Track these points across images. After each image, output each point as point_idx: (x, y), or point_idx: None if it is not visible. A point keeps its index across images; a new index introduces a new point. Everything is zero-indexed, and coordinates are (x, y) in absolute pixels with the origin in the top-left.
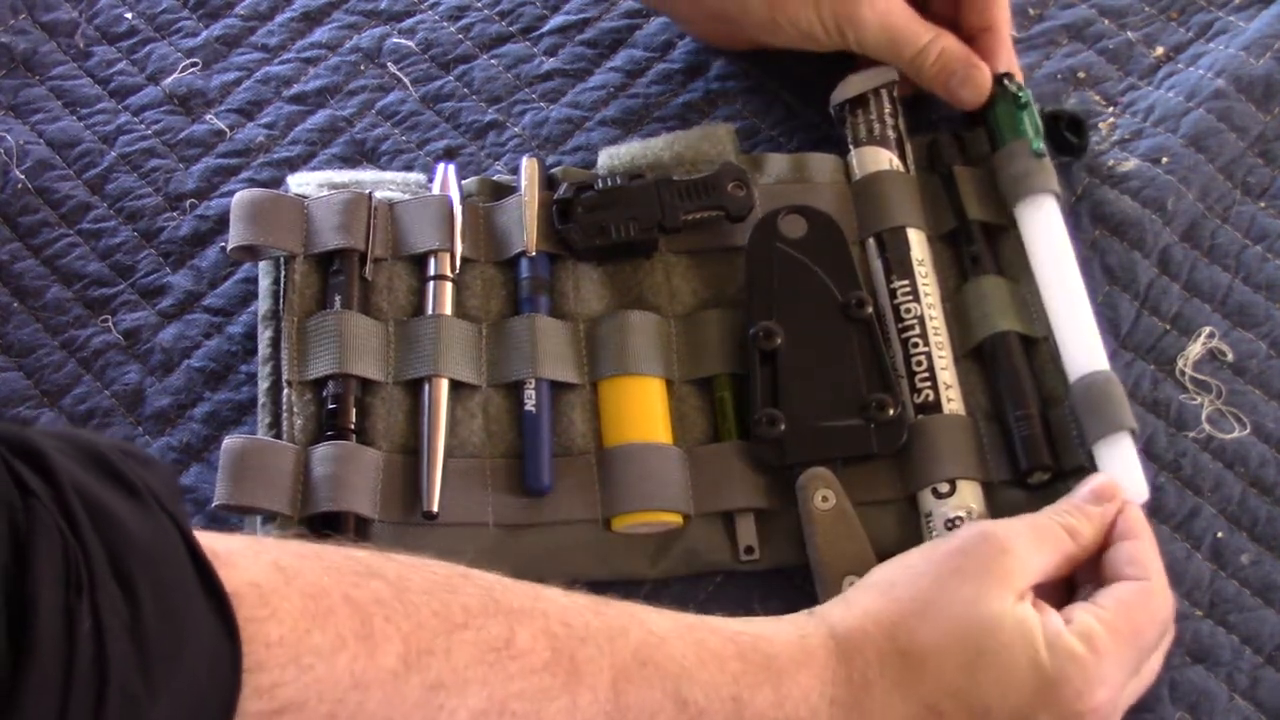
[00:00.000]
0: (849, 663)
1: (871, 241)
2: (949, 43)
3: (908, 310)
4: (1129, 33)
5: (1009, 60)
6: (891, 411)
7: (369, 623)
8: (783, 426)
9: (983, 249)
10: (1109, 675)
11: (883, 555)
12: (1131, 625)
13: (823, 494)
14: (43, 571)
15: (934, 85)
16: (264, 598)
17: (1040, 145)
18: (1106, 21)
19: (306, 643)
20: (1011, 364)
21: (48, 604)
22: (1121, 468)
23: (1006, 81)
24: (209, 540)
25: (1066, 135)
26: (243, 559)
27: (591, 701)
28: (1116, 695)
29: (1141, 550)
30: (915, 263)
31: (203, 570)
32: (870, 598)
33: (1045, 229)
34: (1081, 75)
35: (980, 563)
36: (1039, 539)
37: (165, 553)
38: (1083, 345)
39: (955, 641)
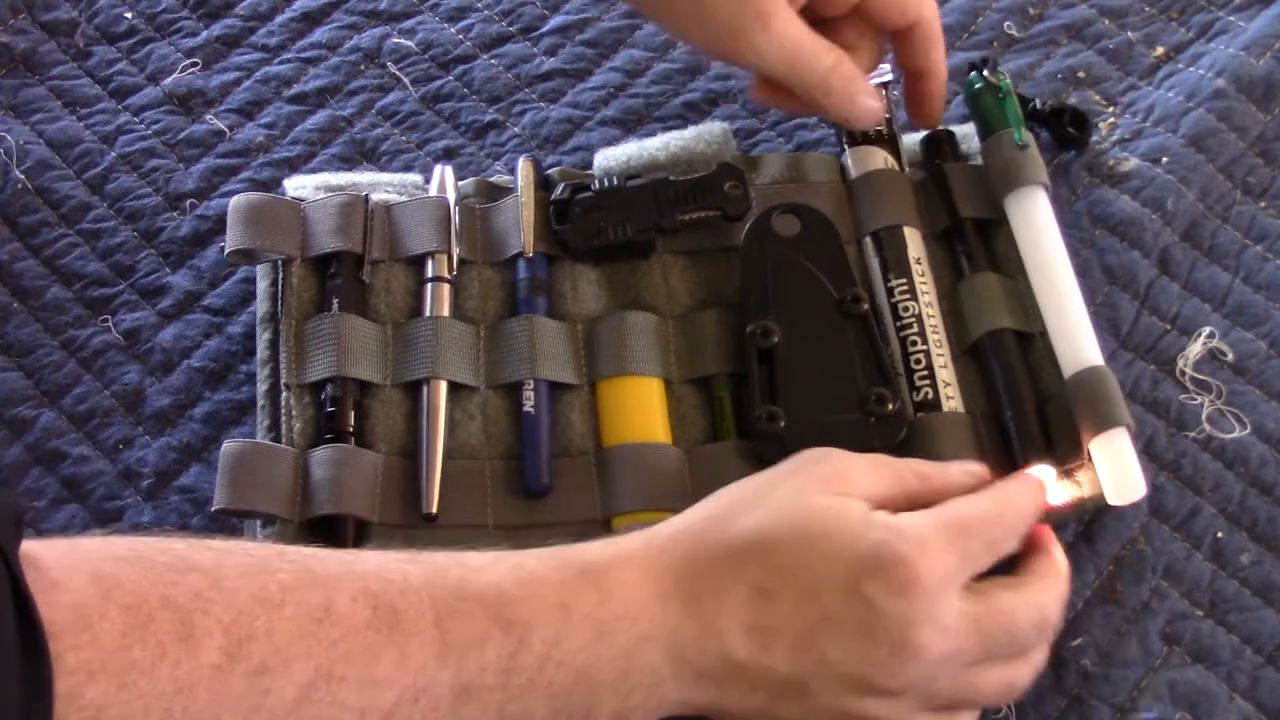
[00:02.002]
0: (670, 555)
1: (868, 240)
2: (846, 65)
3: (905, 309)
4: (1129, 33)
5: (939, 109)
6: (891, 406)
7: (188, 621)
8: (783, 422)
9: (976, 245)
10: (935, 549)
11: None
12: (971, 540)
13: None
14: None
15: (837, 111)
16: (84, 620)
17: (1023, 136)
18: (1106, 21)
19: (127, 659)
20: (1007, 361)
21: None
22: (1118, 464)
23: (988, 72)
24: (32, 549)
25: (1069, 130)
26: (63, 574)
27: (420, 648)
28: (947, 577)
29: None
30: (912, 261)
31: (19, 597)
32: (689, 509)
33: (1033, 222)
34: (1081, 75)
35: (802, 466)
36: (874, 465)
37: None
38: (1075, 340)
39: (779, 526)
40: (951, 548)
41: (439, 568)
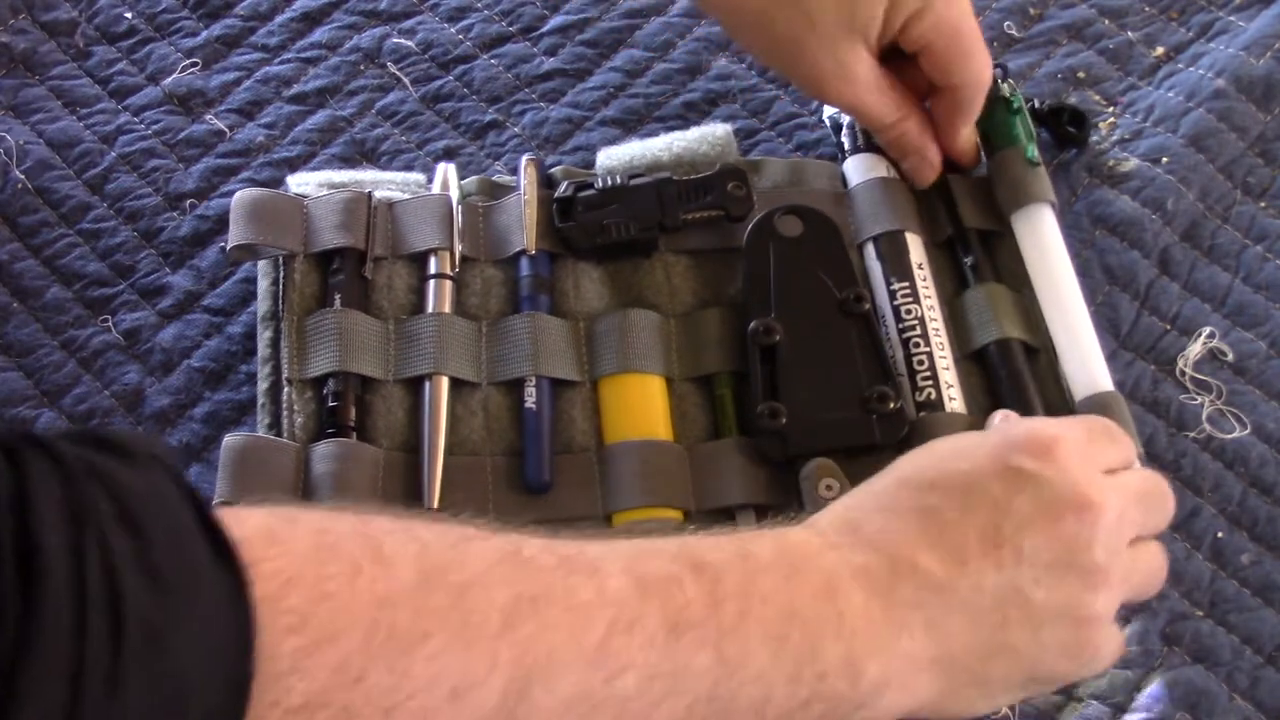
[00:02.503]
0: (827, 517)
1: (870, 246)
2: (910, 127)
3: (908, 311)
4: (1129, 33)
5: (966, 129)
6: (892, 405)
7: (379, 547)
8: (784, 419)
9: (980, 257)
10: (1072, 435)
11: None
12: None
13: (827, 483)
14: (44, 513)
15: (890, 154)
16: (273, 538)
17: (1034, 153)
18: (1106, 21)
19: (322, 571)
20: (1015, 368)
21: (53, 543)
22: None
23: (1000, 82)
24: (220, 509)
25: (1069, 129)
26: (245, 512)
27: (618, 585)
28: (1084, 452)
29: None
30: (914, 266)
31: (205, 518)
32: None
33: (1041, 241)
34: (1081, 75)
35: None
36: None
37: (166, 501)
38: (1087, 363)
39: (919, 454)
40: (1092, 444)
41: (611, 545)
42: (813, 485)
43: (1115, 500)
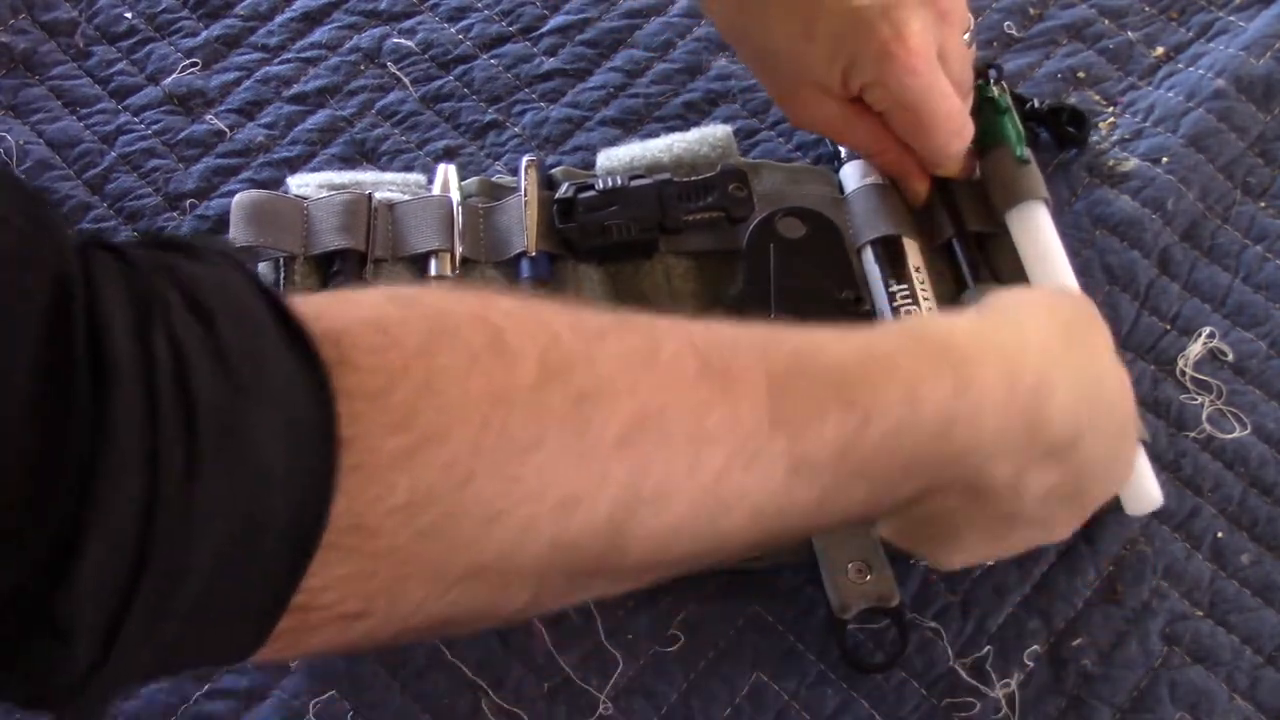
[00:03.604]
0: (1026, 361)
1: (868, 249)
2: (886, 160)
3: (907, 313)
4: (1129, 33)
5: (944, 173)
6: None
7: (500, 338)
8: None
9: (979, 258)
10: None
11: (886, 548)
12: None
13: None
14: (112, 309)
15: None
16: (381, 327)
17: (1023, 151)
18: (1106, 21)
19: (434, 363)
20: None
21: (120, 338)
22: (1135, 476)
23: (989, 86)
24: (327, 293)
25: (1068, 129)
26: (357, 295)
27: (752, 409)
28: None
29: None
30: (912, 269)
31: (277, 307)
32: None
33: (1036, 238)
34: (1081, 75)
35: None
36: None
37: (236, 291)
38: None
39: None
40: None
41: (775, 336)
42: None
43: None
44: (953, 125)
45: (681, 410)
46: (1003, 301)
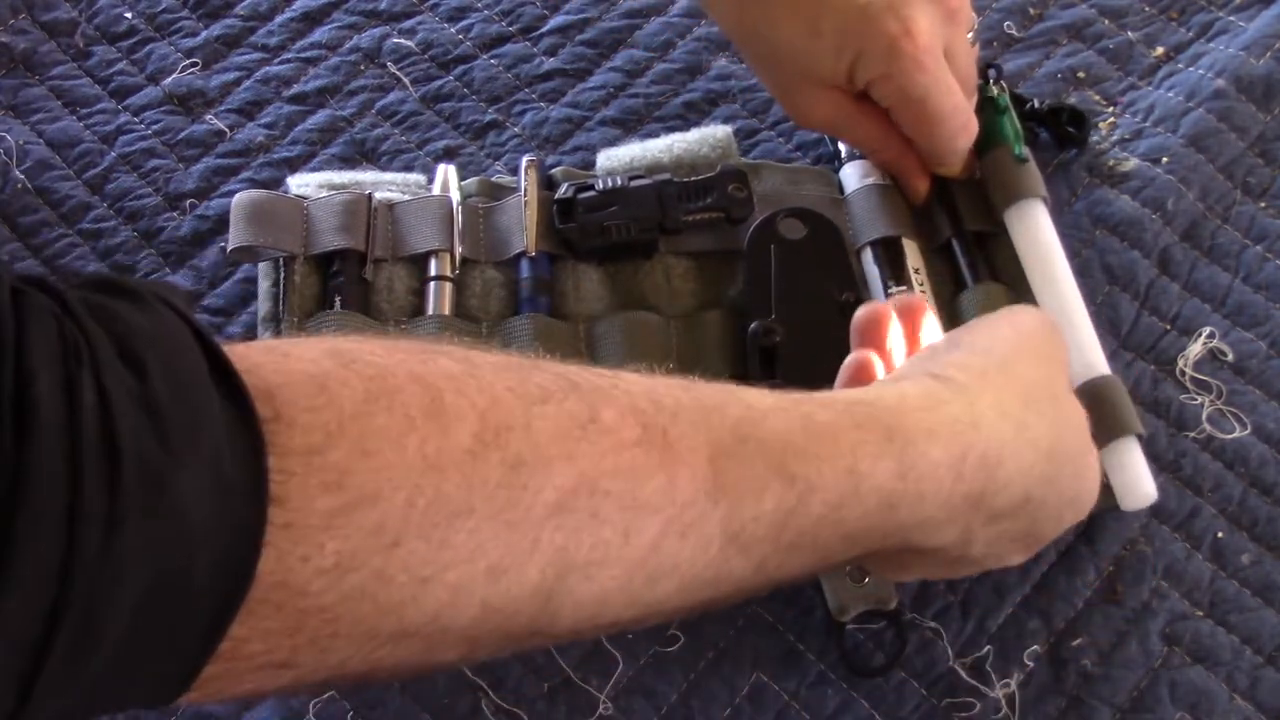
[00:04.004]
0: (977, 437)
1: (868, 250)
2: (887, 157)
3: None
4: (1129, 33)
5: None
6: None
7: (439, 399)
8: None
9: (978, 258)
10: None
11: None
12: None
13: None
14: (39, 352)
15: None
16: (320, 385)
17: (1021, 150)
18: (1106, 21)
19: (370, 425)
20: None
21: (46, 383)
22: (1130, 471)
23: (989, 86)
24: (265, 343)
25: (1068, 129)
26: (298, 348)
27: (690, 479)
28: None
29: None
30: (911, 270)
31: (216, 359)
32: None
33: (1034, 236)
34: (1081, 75)
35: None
36: None
37: (172, 340)
38: (1083, 350)
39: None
40: None
41: (717, 403)
42: None
43: None
44: (958, 121)
45: (618, 478)
46: (961, 358)
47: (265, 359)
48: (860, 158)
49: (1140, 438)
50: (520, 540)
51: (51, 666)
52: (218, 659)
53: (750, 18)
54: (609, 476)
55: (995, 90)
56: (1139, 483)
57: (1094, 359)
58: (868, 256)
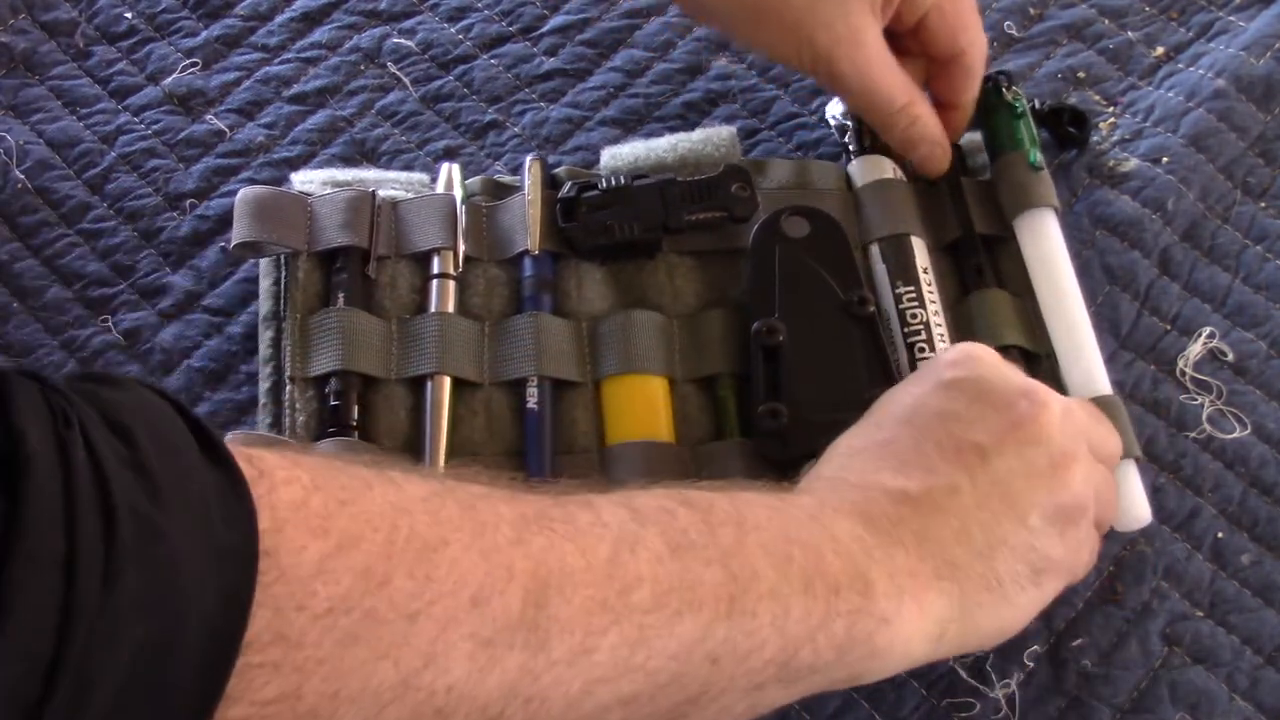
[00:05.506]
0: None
1: (875, 248)
2: (923, 111)
3: (914, 315)
4: (1129, 33)
5: (956, 138)
6: None
7: (384, 472)
8: (785, 420)
9: (985, 261)
10: (985, 348)
11: None
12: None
13: None
14: (25, 410)
15: (898, 148)
16: (291, 460)
17: (1037, 157)
18: (1106, 21)
19: (338, 481)
20: None
21: (35, 436)
22: (1126, 493)
23: (1004, 90)
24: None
25: (1069, 129)
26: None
27: (615, 515)
28: (1006, 365)
29: None
30: (919, 270)
31: (199, 429)
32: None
33: (1044, 245)
34: (1081, 75)
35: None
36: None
37: (156, 412)
38: (1084, 368)
39: (870, 410)
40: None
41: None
42: None
43: (1054, 394)
44: (979, 19)
45: (555, 516)
46: (903, 516)
47: (230, 440)
48: (868, 152)
49: (1138, 460)
50: (496, 566)
51: (49, 718)
52: None
53: None
54: (547, 514)
55: (1010, 95)
56: (1134, 506)
57: (1097, 378)
58: (875, 254)
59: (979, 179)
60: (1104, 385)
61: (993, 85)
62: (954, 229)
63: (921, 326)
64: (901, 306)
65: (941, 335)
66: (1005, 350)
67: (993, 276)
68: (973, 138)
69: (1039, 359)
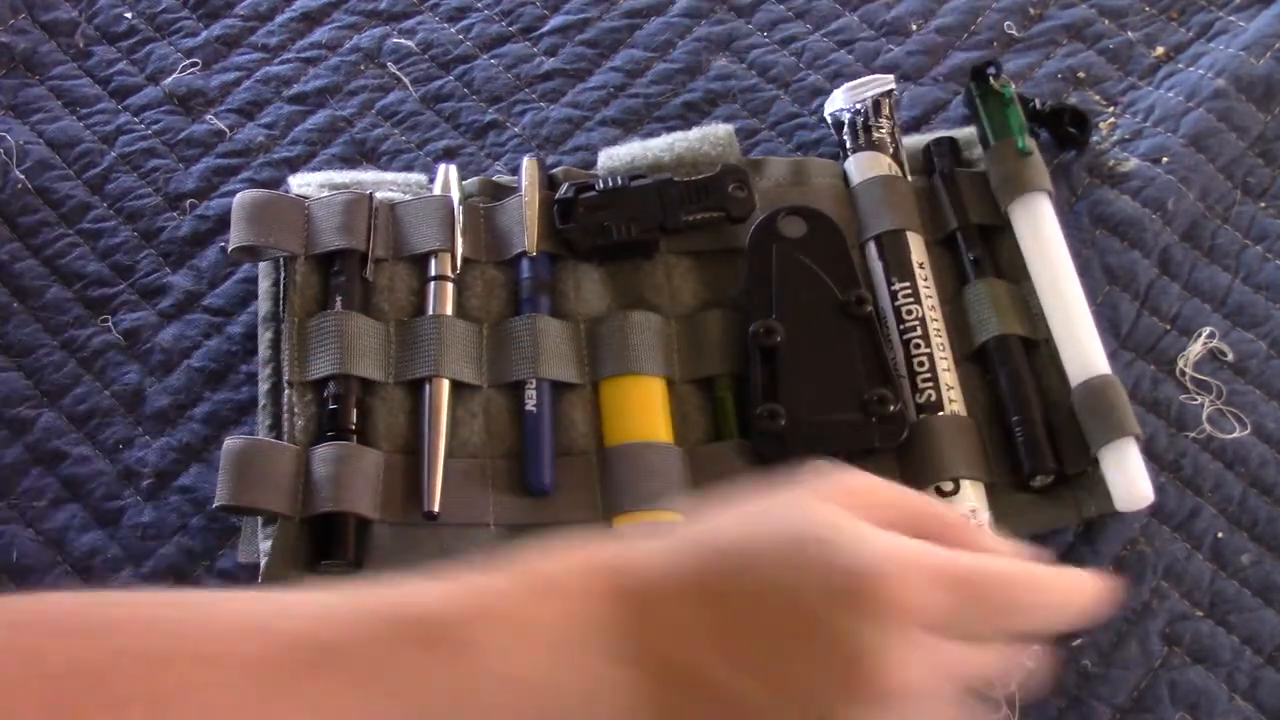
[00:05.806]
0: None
1: (871, 244)
2: None
3: (909, 312)
4: (1129, 33)
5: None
6: (892, 407)
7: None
8: (783, 421)
9: (982, 252)
10: (921, 581)
11: None
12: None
13: None
14: None
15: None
16: None
17: (1026, 143)
18: (1106, 21)
19: None
20: (1013, 367)
21: None
22: (1126, 472)
23: (991, 79)
24: None
25: (1069, 130)
26: None
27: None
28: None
29: None
30: (915, 266)
31: None
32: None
33: (1037, 229)
34: (1081, 75)
35: (800, 479)
36: (888, 488)
37: None
38: (1081, 348)
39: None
40: (943, 588)
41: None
42: None
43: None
44: None
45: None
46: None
47: None
48: (865, 149)
49: (1138, 439)
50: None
51: None
52: None
53: None
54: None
55: (998, 84)
56: (1135, 484)
57: (1094, 357)
58: (872, 251)
59: (977, 171)
60: (1102, 365)
61: (981, 75)
62: (951, 222)
63: (917, 323)
64: (898, 303)
65: (938, 331)
66: (1005, 340)
67: (991, 266)
68: (967, 131)
69: (1038, 345)
